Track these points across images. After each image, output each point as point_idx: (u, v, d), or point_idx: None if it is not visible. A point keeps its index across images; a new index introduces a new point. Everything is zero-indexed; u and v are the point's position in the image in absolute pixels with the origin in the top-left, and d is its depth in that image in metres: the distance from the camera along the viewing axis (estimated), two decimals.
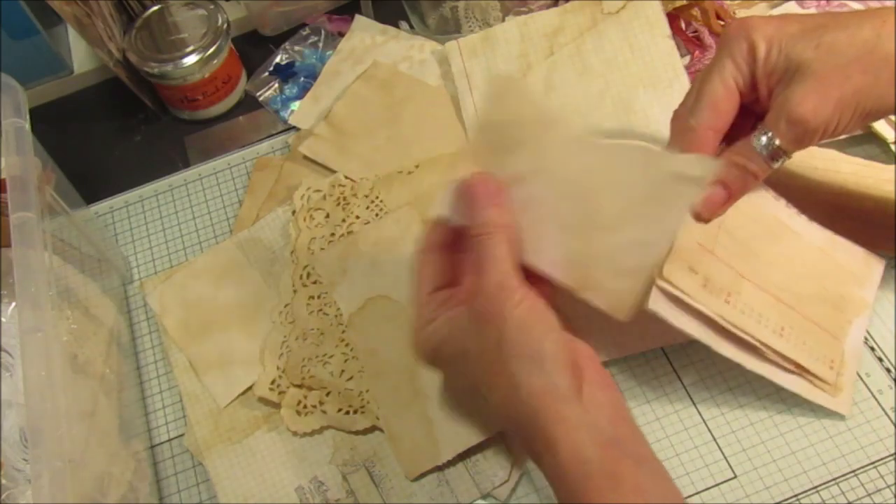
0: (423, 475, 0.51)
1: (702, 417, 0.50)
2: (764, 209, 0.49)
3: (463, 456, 0.50)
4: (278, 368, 0.55)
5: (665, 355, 0.53)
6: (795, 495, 0.47)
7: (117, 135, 0.72)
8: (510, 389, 0.38)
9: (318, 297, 0.57)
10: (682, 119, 0.44)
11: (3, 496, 0.45)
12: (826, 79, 0.39)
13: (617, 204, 0.42)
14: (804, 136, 0.40)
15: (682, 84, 0.60)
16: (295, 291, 0.57)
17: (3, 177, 0.45)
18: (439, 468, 0.51)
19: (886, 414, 0.49)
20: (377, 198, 0.60)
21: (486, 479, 0.50)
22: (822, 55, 0.39)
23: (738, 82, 0.42)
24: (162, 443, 0.56)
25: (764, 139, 0.41)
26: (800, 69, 0.40)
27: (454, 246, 0.44)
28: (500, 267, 0.40)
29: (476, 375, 0.41)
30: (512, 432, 0.42)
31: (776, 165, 0.42)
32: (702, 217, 0.43)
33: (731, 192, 0.43)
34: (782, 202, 0.49)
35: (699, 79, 0.44)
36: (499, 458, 0.50)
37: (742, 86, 0.42)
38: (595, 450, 0.36)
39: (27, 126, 0.47)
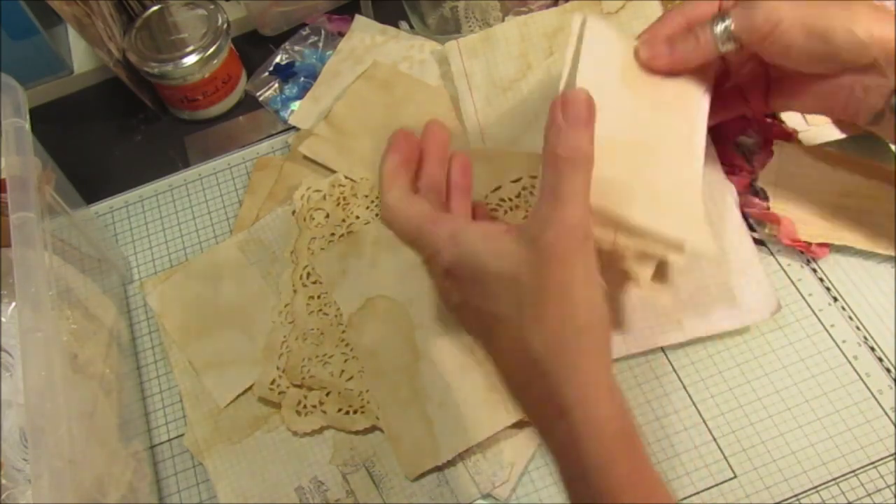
0: (423, 475, 0.51)
1: (702, 417, 0.50)
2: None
3: (463, 456, 0.50)
4: (278, 368, 0.55)
5: (665, 355, 0.52)
6: (795, 495, 0.47)
7: (117, 135, 0.72)
8: (559, 332, 0.38)
9: (318, 297, 0.57)
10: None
11: (3, 496, 0.45)
12: None
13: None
14: (754, 21, 0.45)
15: None
16: (295, 291, 0.57)
17: (3, 177, 0.45)
18: (439, 468, 0.51)
19: (886, 414, 0.49)
20: (377, 198, 0.60)
21: (486, 479, 0.50)
22: None
23: None
24: (162, 443, 0.56)
25: (721, 23, 0.46)
26: None
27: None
28: (581, 202, 0.39)
29: (519, 303, 0.39)
30: (523, 373, 0.40)
31: (723, 49, 0.46)
32: (639, 57, 0.48)
33: (673, 53, 0.48)
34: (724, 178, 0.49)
35: None
36: (499, 458, 0.50)
37: None
38: (621, 407, 0.39)
39: (27, 126, 0.47)
